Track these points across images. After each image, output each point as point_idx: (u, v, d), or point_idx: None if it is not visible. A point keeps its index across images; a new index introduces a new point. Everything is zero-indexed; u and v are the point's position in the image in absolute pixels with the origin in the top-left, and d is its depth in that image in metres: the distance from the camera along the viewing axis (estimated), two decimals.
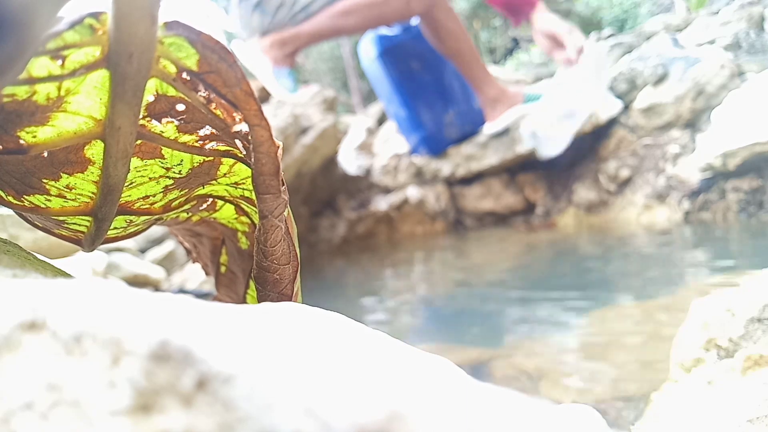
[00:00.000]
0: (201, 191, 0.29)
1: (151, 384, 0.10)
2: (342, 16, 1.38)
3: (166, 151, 0.25)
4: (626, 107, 1.45)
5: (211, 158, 0.26)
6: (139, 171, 0.25)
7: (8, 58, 0.13)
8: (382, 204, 1.57)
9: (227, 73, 0.21)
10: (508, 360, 0.60)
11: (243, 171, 0.27)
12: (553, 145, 1.27)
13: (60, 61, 0.20)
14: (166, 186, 0.27)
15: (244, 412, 0.10)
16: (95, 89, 0.21)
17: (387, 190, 1.65)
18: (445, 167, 1.61)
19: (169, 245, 1.03)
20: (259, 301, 0.28)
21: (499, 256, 1.21)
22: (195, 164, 0.26)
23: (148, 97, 0.23)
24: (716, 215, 1.16)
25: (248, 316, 0.12)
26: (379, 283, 1.09)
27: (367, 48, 1.62)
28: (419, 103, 1.60)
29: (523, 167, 1.56)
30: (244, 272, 0.33)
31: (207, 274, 0.39)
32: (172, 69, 0.21)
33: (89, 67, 0.20)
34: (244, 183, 0.28)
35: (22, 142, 0.22)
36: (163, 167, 0.26)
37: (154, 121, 0.23)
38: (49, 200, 0.25)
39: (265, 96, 1.35)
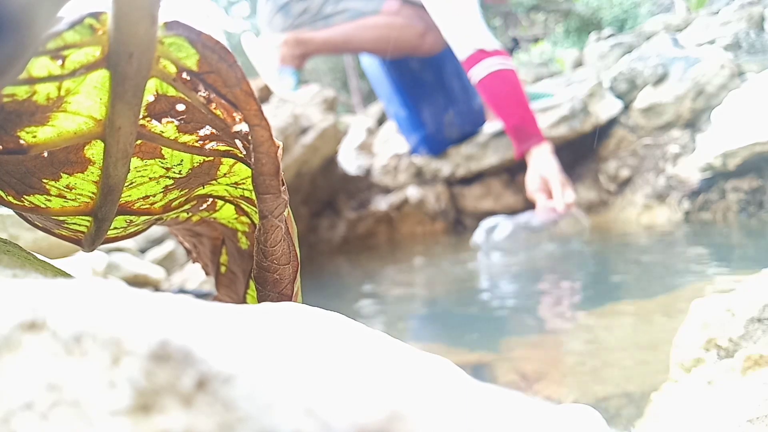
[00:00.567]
0: (201, 191, 0.29)
1: (151, 384, 0.10)
2: (357, 30, 1.41)
3: (166, 151, 0.25)
4: (626, 107, 1.45)
5: (211, 158, 0.26)
6: (139, 171, 0.25)
7: (8, 58, 0.13)
8: (382, 204, 1.57)
9: (227, 73, 0.21)
10: (507, 360, 0.60)
11: (243, 171, 0.27)
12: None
13: (60, 61, 0.20)
14: (166, 186, 0.27)
15: (244, 412, 0.10)
16: (95, 89, 0.21)
17: (387, 190, 1.65)
18: (445, 167, 1.61)
19: (169, 245, 1.03)
20: (259, 301, 0.28)
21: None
22: (195, 164, 0.26)
23: (148, 97, 0.23)
24: (716, 215, 1.16)
25: (248, 316, 0.12)
26: (379, 283, 1.09)
27: None
28: (419, 103, 1.60)
29: (523, 167, 1.56)
30: (244, 272, 0.33)
31: (207, 274, 0.39)
32: (172, 69, 0.21)
33: (89, 67, 0.20)
34: (244, 183, 0.28)
35: (22, 142, 0.22)
36: (163, 167, 0.26)
37: (154, 121, 0.23)
38: (49, 200, 0.25)
39: (266, 96, 1.35)
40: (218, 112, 0.23)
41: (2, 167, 0.23)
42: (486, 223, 1.14)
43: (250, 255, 0.32)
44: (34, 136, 0.22)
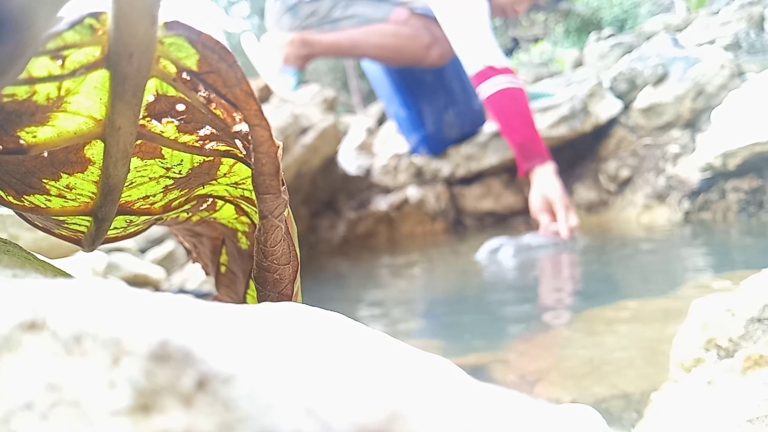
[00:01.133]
0: (201, 191, 0.29)
1: (151, 384, 0.10)
2: (364, 36, 1.42)
3: (166, 151, 0.25)
4: (626, 107, 1.45)
5: (211, 158, 0.26)
6: (139, 171, 0.25)
7: (8, 58, 0.13)
8: (382, 204, 1.57)
9: (227, 73, 0.21)
10: (507, 360, 0.60)
11: (243, 171, 0.27)
12: None
13: (60, 61, 0.20)
14: (166, 186, 0.27)
15: (244, 412, 0.10)
16: (95, 89, 0.21)
17: (387, 190, 1.65)
18: (445, 167, 1.61)
19: (169, 245, 1.03)
20: (259, 301, 0.28)
21: None
22: (195, 164, 0.26)
23: (148, 97, 0.23)
24: (716, 215, 1.16)
25: (248, 316, 0.12)
26: (379, 283, 1.09)
27: None
28: (419, 103, 1.60)
29: None
30: (244, 272, 0.33)
31: (207, 274, 0.39)
32: (172, 69, 0.21)
33: (89, 67, 0.20)
34: (244, 183, 0.28)
35: (22, 142, 0.22)
36: (163, 167, 0.26)
37: (154, 121, 0.23)
38: (49, 200, 0.25)
39: (266, 96, 1.35)
40: (218, 112, 0.23)
41: (2, 167, 0.23)
42: (489, 244, 1.15)
43: (250, 255, 0.32)
44: (34, 136, 0.22)
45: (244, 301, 0.34)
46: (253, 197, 0.28)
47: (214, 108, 0.23)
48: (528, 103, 1.26)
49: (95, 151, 0.23)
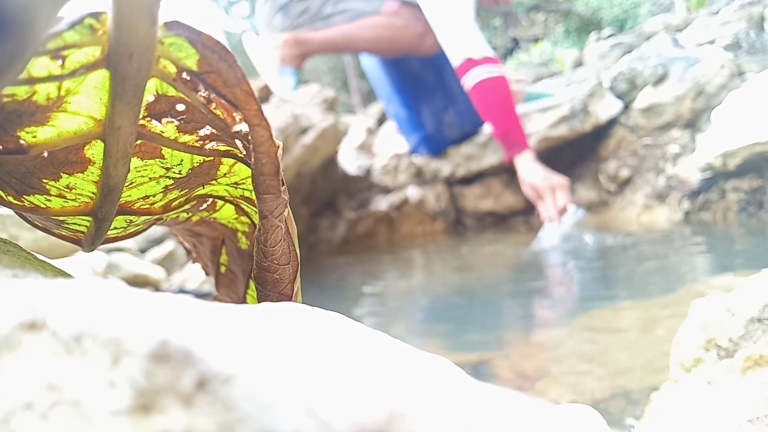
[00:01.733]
0: (201, 191, 0.29)
1: (151, 384, 0.10)
2: (357, 30, 1.43)
3: (166, 151, 0.25)
4: (626, 107, 1.45)
5: (211, 158, 0.26)
6: (139, 171, 0.25)
7: (8, 58, 0.13)
8: (382, 204, 1.57)
9: (227, 73, 0.21)
10: (507, 360, 0.60)
11: (243, 171, 0.27)
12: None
13: (60, 61, 0.20)
14: (166, 186, 0.27)
15: (244, 412, 0.10)
16: (95, 89, 0.21)
17: (387, 190, 1.65)
18: (445, 167, 1.61)
19: (169, 245, 1.03)
20: (259, 301, 0.28)
21: (499, 256, 1.21)
22: (195, 164, 0.26)
23: (148, 97, 0.23)
24: (716, 215, 1.16)
25: (248, 316, 0.12)
26: (379, 283, 1.09)
27: None
28: (419, 103, 1.60)
29: None
30: (244, 272, 0.33)
31: (207, 274, 0.39)
32: (172, 69, 0.21)
33: (89, 67, 0.20)
34: (244, 183, 0.28)
35: (22, 142, 0.22)
36: (163, 167, 0.26)
37: (154, 121, 0.23)
38: (49, 200, 0.25)
39: (266, 96, 1.35)
40: (218, 112, 0.23)
41: (2, 167, 0.23)
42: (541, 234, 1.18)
43: (250, 255, 0.32)
44: (34, 136, 0.22)
45: (244, 301, 0.34)
46: (253, 197, 0.28)
47: (214, 108, 0.23)
48: (508, 91, 1.27)
49: (95, 151, 0.23)
